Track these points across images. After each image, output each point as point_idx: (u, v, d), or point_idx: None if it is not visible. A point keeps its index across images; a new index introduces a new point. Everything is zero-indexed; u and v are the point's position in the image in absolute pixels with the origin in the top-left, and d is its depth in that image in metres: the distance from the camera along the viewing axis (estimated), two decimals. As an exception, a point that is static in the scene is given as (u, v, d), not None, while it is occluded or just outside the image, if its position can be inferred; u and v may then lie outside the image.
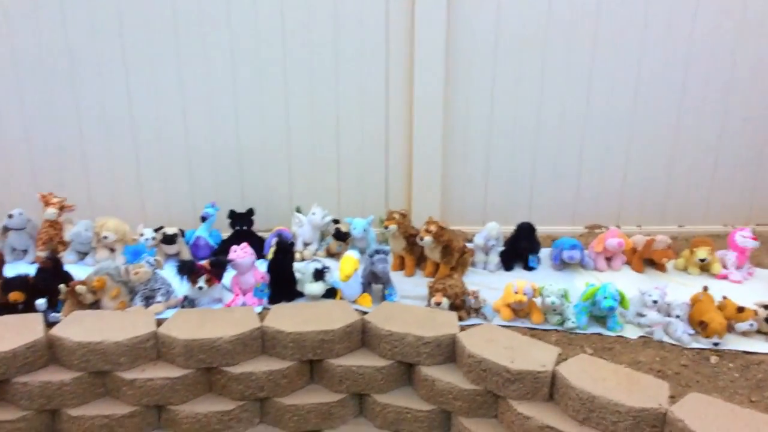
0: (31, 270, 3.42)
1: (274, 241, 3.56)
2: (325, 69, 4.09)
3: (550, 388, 2.69)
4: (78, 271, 3.52)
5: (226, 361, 2.93)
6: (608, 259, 3.84)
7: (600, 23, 4.01)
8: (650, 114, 4.21)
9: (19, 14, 3.85)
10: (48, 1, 3.85)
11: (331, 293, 3.40)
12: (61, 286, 3.20)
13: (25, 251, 3.88)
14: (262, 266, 3.57)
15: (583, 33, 4.03)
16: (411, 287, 3.58)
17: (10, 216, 3.78)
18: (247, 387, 2.93)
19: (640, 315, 3.17)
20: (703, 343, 3.02)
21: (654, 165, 4.32)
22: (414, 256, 3.77)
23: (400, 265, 3.82)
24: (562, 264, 3.82)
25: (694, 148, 4.28)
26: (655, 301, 3.15)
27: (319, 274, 3.35)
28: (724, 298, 3.21)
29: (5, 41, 3.90)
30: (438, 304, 3.22)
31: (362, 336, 3.09)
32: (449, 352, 2.96)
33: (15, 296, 3.16)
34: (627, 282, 3.53)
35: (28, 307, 3.18)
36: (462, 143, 4.25)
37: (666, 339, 3.08)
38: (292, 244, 3.65)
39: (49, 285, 3.22)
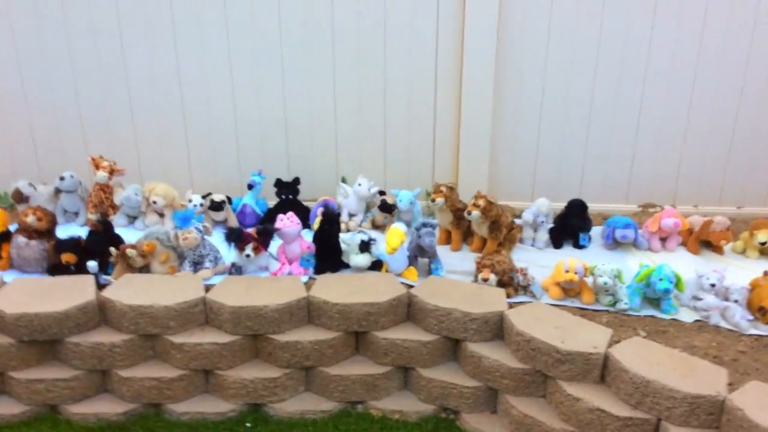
0: (82, 232, 3.48)
1: (319, 211, 3.54)
2: (373, 38, 4.01)
3: (601, 371, 2.63)
4: (128, 234, 3.57)
5: (272, 329, 2.94)
6: (663, 240, 3.72)
7: (658, 1, 3.83)
8: (710, 90, 4.02)
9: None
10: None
11: (376, 265, 3.37)
12: (112, 249, 3.25)
13: (76, 213, 3.94)
14: (308, 236, 3.56)
15: (641, 7, 3.85)
16: (457, 262, 3.53)
17: (62, 178, 3.84)
18: (293, 355, 2.94)
19: (697, 298, 3.07)
20: (762, 330, 2.91)
21: (712, 142, 4.14)
22: (461, 231, 3.71)
23: (447, 240, 3.77)
24: (614, 243, 3.71)
25: (754, 126, 4.08)
26: (712, 285, 3.04)
27: (365, 246, 3.32)
28: (786, 283, 3.07)
29: (57, 8, 3.92)
30: (485, 280, 3.17)
31: (408, 310, 3.07)
32: (497, 329, 2.92)
33: (68, 257, 3.23)
34: (682, 264, 3.41)
35: (80, 269, 3.24)
36: (512, 116, 4.14)
37: (723, 324, 2.97)
38: (338, 215, 3.63)
39: (100, 247, 3.28)
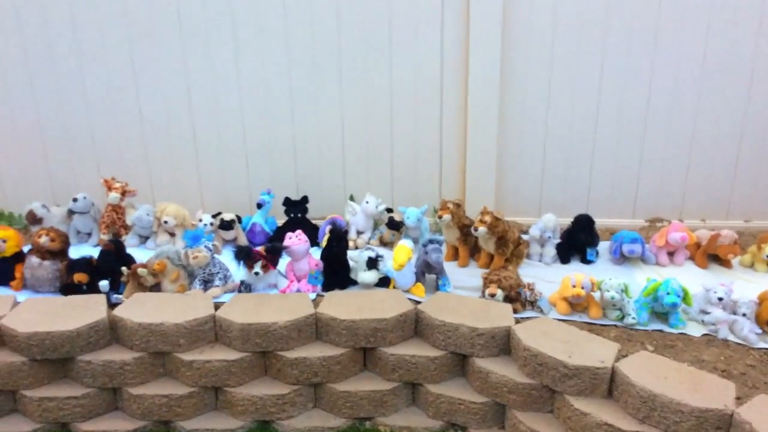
0: (94, 252, 3.53)
1: (327, 228, 3.57)
2: (380, 58, 4.07)
3: (609, 385, 2.63)
4: (139, 254, 3.63)
5: (281, 346, 2.96)
6: (670, 254, 3.72)
7: (661, 13, 3.86)
8: (716, 103, 4.03)
9: (84, 7, 3.96)
10: (112, -9, 3.95)
11: (384, 282, 3.39)
12: (123, 268, 3.30)
13: (89, 234, 4.00)
14: (316, 253, 3.59)
15: (644, 23, 3.89)
16: (465, 278, 3.55)
17: (75, 200, 3.91)
18: (302, 372, 2.96)
19: (705, 312, 3.06)
20: (771, 344, 2.90)
21: (719, 156, 4.14)
22: (468, 247, 3.73)
23: (454, 256, 3.79)
24: (621, 258, 3.72)
25: (761, 139, 4.08)
26: (720, 299, 3.04)
27: (372, 263, 3.35)
28: (795, 297, 3.06)
29: (70, 35, 4.02)
30: (492, 295, 3.18)
31: (415, 325, 3.08)
32: (504, 344, 2.92)
33: (79, 277, 3.28)
34: (690, 278, 3.41)
35: (92, 288, 3.29)
36: (518, 132, 4.17)
37: (731, 338, 2.97)
38: (346, 232, 3.67)
39: (111, 267, 3.33)
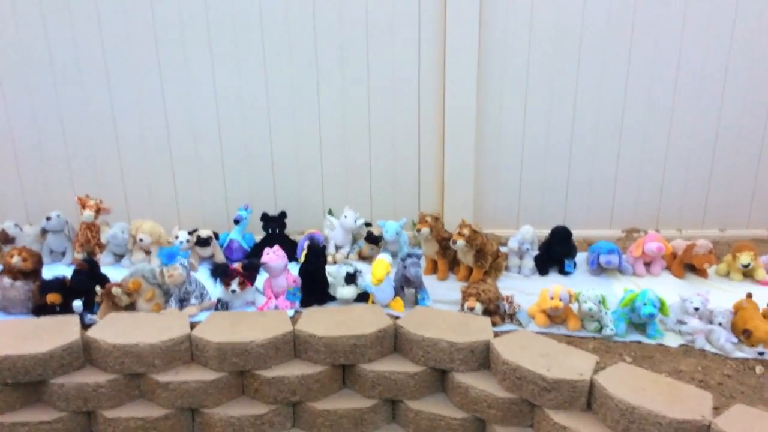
0: (68, 272, 3.47)
1: (306, 244, 3.55)
2: (357, 72, 4.08)
3: (587, 398, 2.63)
4: (114, 273, 3.57)
5: (258, 365, 2.93)
6: (647, 264, 3.75)
7: (635, 26, 3.92)
8: (690, 113, 4.09)
9: (57, 22, 3.92)
10: (84, 9, 3.90)
11: (363, 297, 3.37)
12: (98, 288, 3.25)
13: (63, 253, 3.94)
14: (294, 269, 3.56)
15: (618, 35, 3.95)
16: (444, 291, 3.54)
17: (48, 218, 3.85)
18: (280, 391, 2.93)
19: (681, 322, 3.08)
20: (747, 353, 2.92)
21: (694, 166, 4.20)
22: (447, 260, 3.73)
23: (433, 269, 3.78)
24: (599, 269, 3.73)
25: (735, 149, 4.15)
26: (696, 308, 3.06)
27: (351, 278, 3.33)
28: (770, 305, 3.10)
29: (43, 49, 3.98)
30: (471, 309, 3.18)
31: (395, 341, 3.06)
32: (483, 358, 2.92)
33: (52, 298, 3.21)
34: (667, 288, 3.44)
35: (66, 309, 3.23)
36: (495, 145, 4.19)
37: (708, 348, 2.98)
38: (324, 248, 3.65)
39: (85, 287, 3.27)
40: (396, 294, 3.40)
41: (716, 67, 3.99)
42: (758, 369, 2.81)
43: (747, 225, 4.29)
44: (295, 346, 3.01)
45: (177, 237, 3.80)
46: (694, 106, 4.08)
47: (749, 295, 3.18)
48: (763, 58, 3.96)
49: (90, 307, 3.26)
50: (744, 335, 2.97)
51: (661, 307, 3.04)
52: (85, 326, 3.09)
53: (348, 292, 3.32)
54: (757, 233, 4.23)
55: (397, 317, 3.16)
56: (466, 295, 3.25)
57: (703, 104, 4.07)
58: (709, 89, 4.04)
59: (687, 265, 3.74)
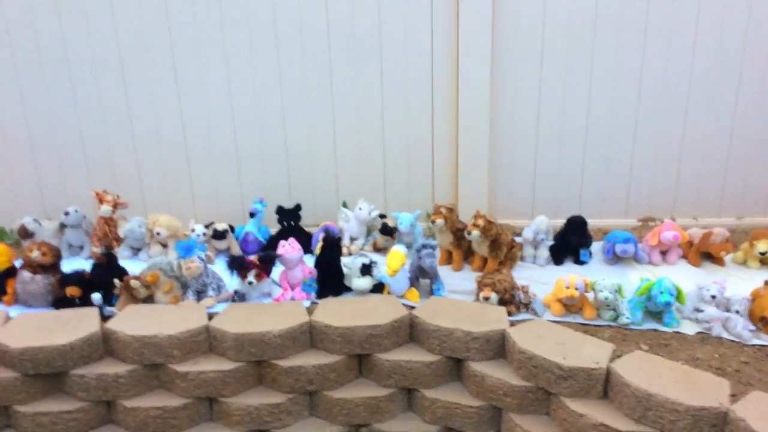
0: (87, 265, 3.52)
1: (321, 236, 3.57)
2: (370, 65, 4.08)
3: (604, 386, 2.63)
4: (132, 266, 3.61)
5: (275, 355, 2.95)
6: (663, 253, 3.73)
7: (650, 14, 3.88)
8: (706, 100, 4.05)
9: (73, 20, 3.97)
10: (99, 7, 3.95)
11: (378, 288, 3.39)
12: (116, 280, 3.29)
13: (81, 247, 3.99)
14: (309, 261, 3.58)
15: (633, 24, 3.91)
16: (459, 282, 3.55)
17: (67, 213, 3.90)
18: (297, 380, 2.95)
19: (698, 310, 3.07)
20: (764, 340, 2.91)
21: (710, 154, 4.16)
22: (461, 251, 3.73)
23: (448, 260, 3.79)
24: (615, 258, 3.72)
25: (751, 136, 4.10)
26: (713, 296, 3.04)
27: (366, 269, 3.34)
28: (788, 292, 3.07)
29: (59, 47, 4.02)
30: (486, 298, 3.18)
31: (410, 331, 3.07)
32: (499, 347, 2.92)
33: (72, 291, 3.26)
34: (683, 276, 3.42)
35: (85, 302, 3.28)
36: (509, 135, 4.18)
37: (725, 335, 2.97)
38: (339, 239, 3.66)
39: (104, 280, 3.32)
40: (411, 284, 3.41)
41: (731, 56, 3.95)
42: (776, 356, 2.80)
43: (764, 213, 4.24)
44: (311, 336, 3.04)
45: (193, 230, 3.84)
46: (710, 94, 4.04)
47: (767, 283, 3.15)
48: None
49: (109, 299, 3.31)
50: (762, 322, 2.95)
51: (678, 295, 3.02)
52: (105, 318, 3.13)
53: (363, 283, 3.34)
54: (775, 221, 4.19)
55: (412, 307, 3.17)
56: (481, 285, 3.25)
57: (719, 92, 4.03)
58: (725, 78, 4.00)
59: (704, 254, 3.72)
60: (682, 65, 3.99)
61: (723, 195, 4.24)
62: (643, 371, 2.56)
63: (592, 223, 3.94)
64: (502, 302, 3.19)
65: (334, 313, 3.06)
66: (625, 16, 3.90)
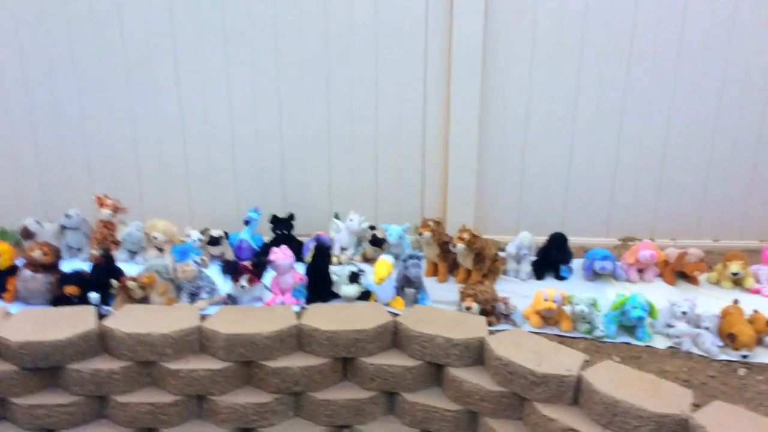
0: (85, 267, 3.64)
1: (312, 245, 3.70)
2: (364, 79, 4.25)
3: (574, 392, 2.76)
4: (129, 268, 3.73)
5: (264, 356, 3.07)
6: (640, 271, 3.87)
7: (634, 39, 4.06)
8: (686, 126, 4.22)
9: (80, 24, 4.13)
10: (106, 13, 4.11)
11: (365, 296, 3.52)
12: (113, 281, 3.42)
13: (80, 249, 4.11)
14: (300, 268, 3.71)
15: (617, 49, 4.09)
16: (443, 293, 3.67)
17: (68, 216, 4.02)
18: (283, 381, 3.07)
19: (670, 326, 3.20)
20: (731, 356, 3.03)
21: (689, 178, 4.33)
22: (447, 263, 3.87)
23: (434, 272, 3.92)
24: (593, 274, 3.86)
25: (730, 162, 4.27)
26: (684, 312, 3.18)
27: (354, 277, 3.48)
28: (755, 311, 3.20)
29: (65, 51, 4.19)
30: (468, 308, 3.31)
31: (394, 336, 3.20)
32: (477, 354, 3.05)
33: (71, 290, 3.39)
34: (658, 294, 3.55)
35: (83, 300, 3.40)
36: (497, 154, 4.34)
37: (694, 350, 3.10)
38: (330, 248, 3.80)
39: (102, 280, 3.44)
40: (397, 293, 3.54)
41: (713, 82, 4.12)
42: (741, 371, 2.93)
43: (740, 236, 4.40)
44: (299, 339, 3.16)
45: (189, 236, 3.96)
46: (690, 120, 4.21)
47: (736, 302, 3.29)
48: (758, 74, 4.09)
49: (106, 299, 3.43)
50: (729, 339, 3.08)
51: (651, 310, 3.16)
52: (101, 316, 3.25)
53: (351, 290, 3.47)
54: (750, 244, 4.33)
55: (397, 314, 3.30)
56: (463, 296, 3.38)
57: (699, 119, 4.20)
58: (705, 104, 4.17)
59: (679, 273, 3.85)
60: (663, 91, 4.15)
61: (701, 218, 4.40)
62: (612, 379, 2.69)
63: (576, 241, 4.10)
64: (483, 313, 3.32)
65: (322, 317, 3.19)
66: (611, 41, 4.08)
